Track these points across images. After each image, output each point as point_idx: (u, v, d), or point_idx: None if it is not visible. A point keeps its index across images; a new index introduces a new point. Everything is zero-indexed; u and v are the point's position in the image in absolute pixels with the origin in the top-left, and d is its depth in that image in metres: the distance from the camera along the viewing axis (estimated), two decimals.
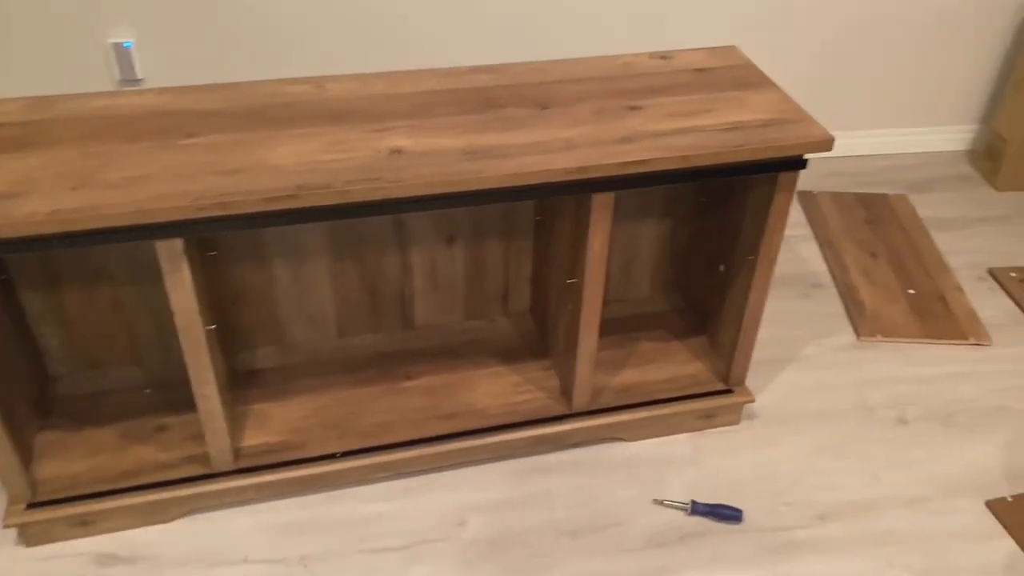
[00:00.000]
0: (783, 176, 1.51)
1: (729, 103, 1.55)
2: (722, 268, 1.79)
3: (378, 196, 1.29)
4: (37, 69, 2.23)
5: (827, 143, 1.46)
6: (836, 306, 2.20)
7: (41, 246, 1.24)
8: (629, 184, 1.42)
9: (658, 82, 1.62)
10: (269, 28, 2.28)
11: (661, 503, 1.68)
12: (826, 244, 2.39)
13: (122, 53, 2.23)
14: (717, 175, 1.46)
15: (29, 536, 1.55)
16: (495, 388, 1.80)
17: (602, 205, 1.46)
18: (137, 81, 2.28)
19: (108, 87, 2.29)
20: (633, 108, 1.53)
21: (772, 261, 1.62)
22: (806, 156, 1.48)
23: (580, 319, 1.60)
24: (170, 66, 2.29)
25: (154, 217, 1.24)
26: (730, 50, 1.75)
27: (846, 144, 2.74)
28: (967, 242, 2.44)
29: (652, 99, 1.56)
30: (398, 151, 1.38)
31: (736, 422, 1.85)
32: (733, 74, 1.66)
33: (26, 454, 1.56)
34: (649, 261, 1.99)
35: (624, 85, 1.61)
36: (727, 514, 1.65)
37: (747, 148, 1.43)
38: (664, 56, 1.72)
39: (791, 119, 1.51)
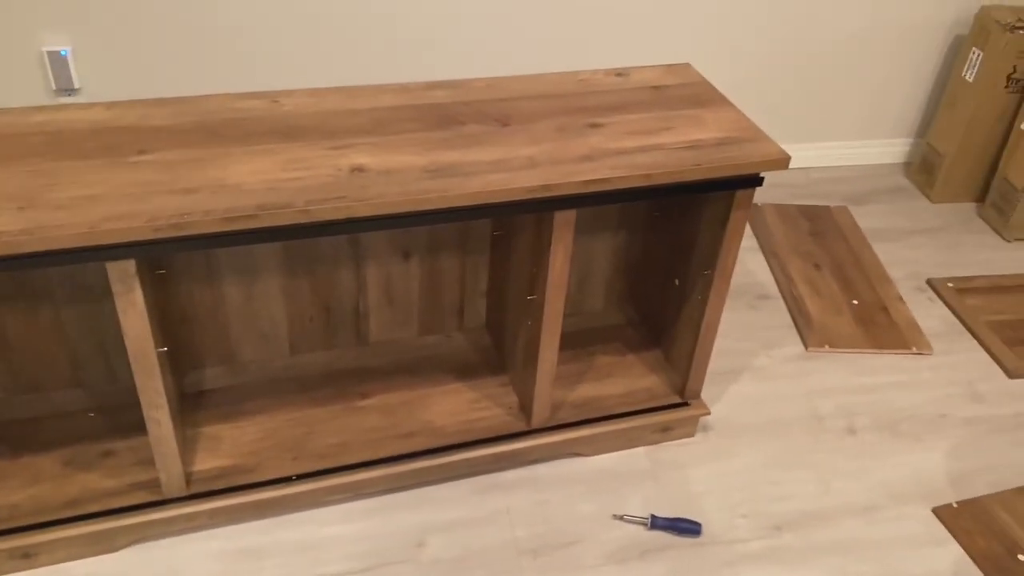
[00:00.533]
0: (740, 193, 1.53)
1: (687, 121, 1.57)
2: (677, 282, 1.81)
3: (341, 216, 1.27)
4: None
5: (783, 161, 1.48)
6: (783, 317, 2.24)
7: None
8: (591, 202, 1.43)
9: (616, 99, 1.63)
10: (214, 38, 2.22)
11: (621, 518, 1.69)
12: (772, 255, 2.44)
13: (58, 61, 2.15)
14: (676, 192, 1.48)
15: None
16: (453, 405, 1.78)
17: (564, 222, 1.45)
18: (74, 91, 2.20)
19: (43, 96, 2.20)
20: (593, 126, 1.53)
21: (728, 276, 1.65)
22: (762, 174, 1.50)
23: (540, 336, 1.60)
24: (109, 76, 2.21)
25: (107, 239, 1.19)
26: (685, 68, 1.77)
27: None
28: (906, 253, 2.51)
29: (611, 116, 1.57)
30: (360, 169, 1.35)
31: (692, 434, 1.87)
32: (689, 91, 1.68)
33: None
34: (603, 275, 2.00)
35: (583, 102, 1.61)
36: (686, 528, 1.66)
37: (706, 166, 1.44)
38: (620, 73, 1.73)
39: (747, 138, 1.53)
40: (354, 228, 1.31)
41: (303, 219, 1.26)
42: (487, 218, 1.58)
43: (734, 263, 1.62)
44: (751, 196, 1.53)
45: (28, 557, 1.49)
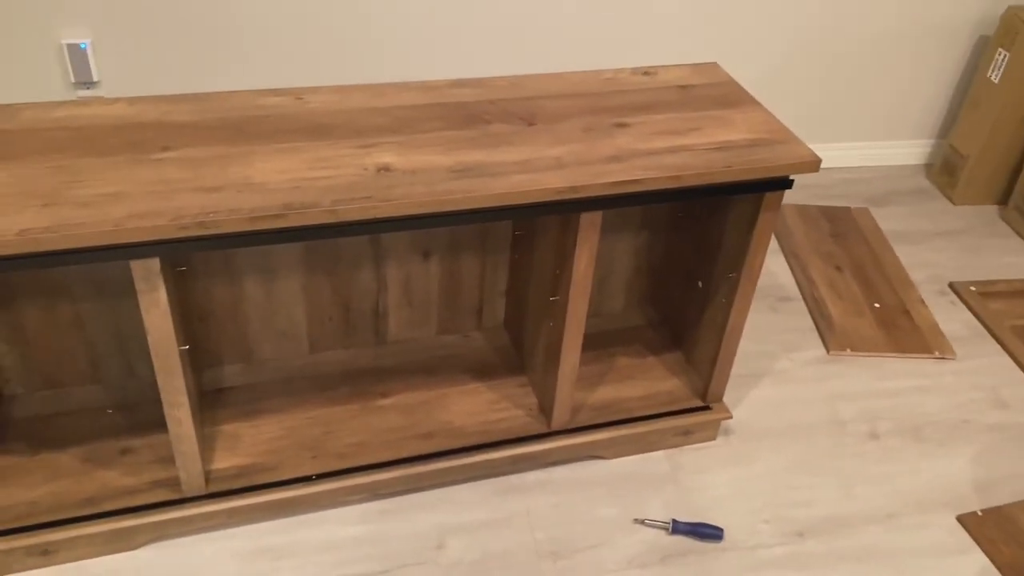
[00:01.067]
0: (769, 195, 1.50)
1: (715, 121, 1.55)
2: (700, 284, 1.79)
3: (368, 216, 1.25)
4: None
5: (814, 164, 1.46)
6: (805, 320, 2.22)
7: (9, 267, 1.16)
8: (619, 203, 1.41)
9: (643, 99, 1.61)
10: (235, 33, 2.21)
11: (642, 522, 1.67)
12: (792, 256, 2.42)
13: (77, 54, 2.14)
14: (705, 194, 1.45)
15: None
16: (472, 406, 1.76)
17: (590, 224, 1.44)
18: (93, 84, 2.19)
19: (62, 89, 2.19)
20: (620, 125, 1.51)
21: (754, 279, 1.63)
22: (791, 176, 1.48)
23: (562, 338, 1.58)
24: (129, 69, 2.20)
25: (131, 237, 1.18)
26: (712, 67, 1.74)
27: None
28: (927, 256, 2.48)
29: (638, 116, 1.55)
30: (386, 168, 1.34)
31: (713, 438, 1.85)
32: (717, 91, 1.65)
33: None
34: (624, 275, 1.98)
35: (609, 102, 1.59)
36: (708, 533, 1.65)
37: (737, 168, 1.42)
38: (647, 72, 1.70)
39: (777, 139, 1.51)
40: (379, 228, 1.29)
41: (330, 219, 1.24)
42: (512, 219, 1.56)
43: (761, 266, 1.60)
44: (780, 198, 1.51)
45: (47, 554, 1.48)
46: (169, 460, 1.57)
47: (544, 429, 1.72)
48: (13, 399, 1.67)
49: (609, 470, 1.77)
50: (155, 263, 1.24)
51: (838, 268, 2.38)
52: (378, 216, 1.26)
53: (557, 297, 1.58)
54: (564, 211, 1.40)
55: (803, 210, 2.62)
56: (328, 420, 1.70)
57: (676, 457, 1.81)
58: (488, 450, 1.68)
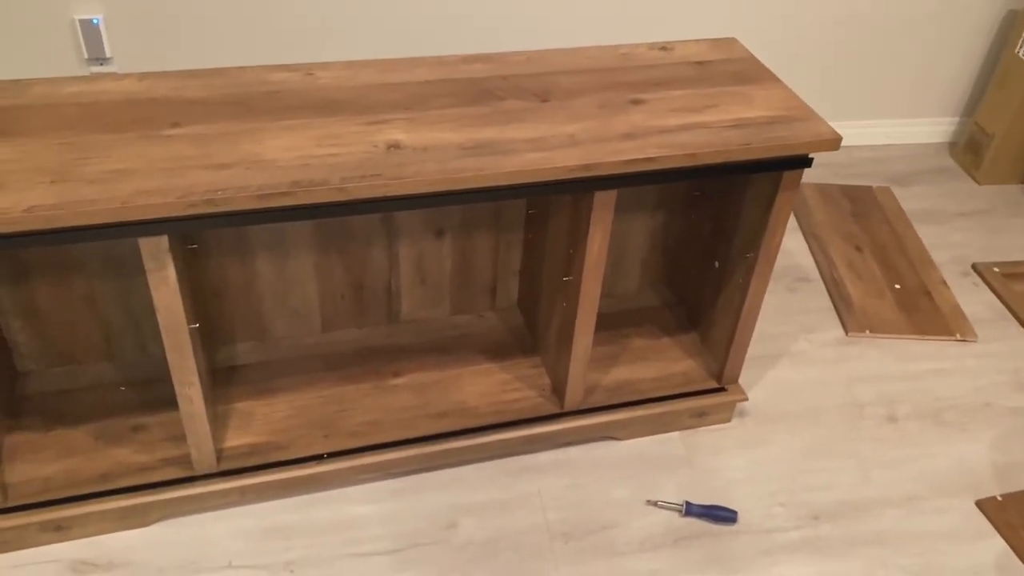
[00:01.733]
0: (788, 174, 1.47)
1: (733, 98, 1.51)
2: (716, 264, 1.76)
3: (378, 194, 1.24)
4: None
5: (834, 142, 1.43)
6: (823, 301, 2.18)
7: (16, 244, 1.16)
8: (633, 182, 1.38)
9: (659, 75, 1.58)
10: (247, 8, 2.19)
11: (655, 504, 1.66)
12: (812, 237, 2.38)
13: (90, 30, 2.13)
14: (722, 173, 1.43)
15: (0, 543, 1.48)
16: (485, 386, 1.75)
17: (604, 203, 1.41)
18: (106, 60, 2.18)
19: (75, 65, 2.18)
20: (635, 102, 1.48)
21: (772, 260, 1.60)
22: (811, 155, 1.45)
23: (576, 318, 1.56)
24: (141, 45, 2.18)
25: (139, 214, 1.17)
26: (730, 42, 1.71)
27: None
28: (950, 236, 2.44)
29: (654, 93, 1.52)
30: (396, 145, 1.32)
31: (728, 420, 1.83)
32: (735, 67, 1.62)
33: None
34: (638, 255, 1.96)
35: (625, 77, 1.56)
36: (722, 515, 1.63)
37: (755, 146, 1.39)
38: (663, 47, 1.67)
39: (797, 116, 1.47)
40: (390, 207, 1.28)
41: (339, 197, 1.23)
42: (525, 197, 1.54)
43: (779, 247, 1.58)
44: (799, 177, 1.48)
45: (60, 530, 1.49)
46: (181, 438, 1.57)
47: (557, 410, 1.71)
48: (27, 375, 1.68)
49: (622, 451, 1.76)
50: (164, 241, 1.23)
51: (858, 248, 2.34)
52: (388, 194, 1.24)
53: (571, 277, 1.56)
54: (578, 190, 1.38)
55: (823, 189, 2.57)
56: (341, 399, 1.70)
57: (690, 439, 1.79)
58: (501, 430, 1.67)
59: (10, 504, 1.47)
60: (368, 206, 1.26)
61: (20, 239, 1.16)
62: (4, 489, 1.48)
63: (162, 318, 1.32)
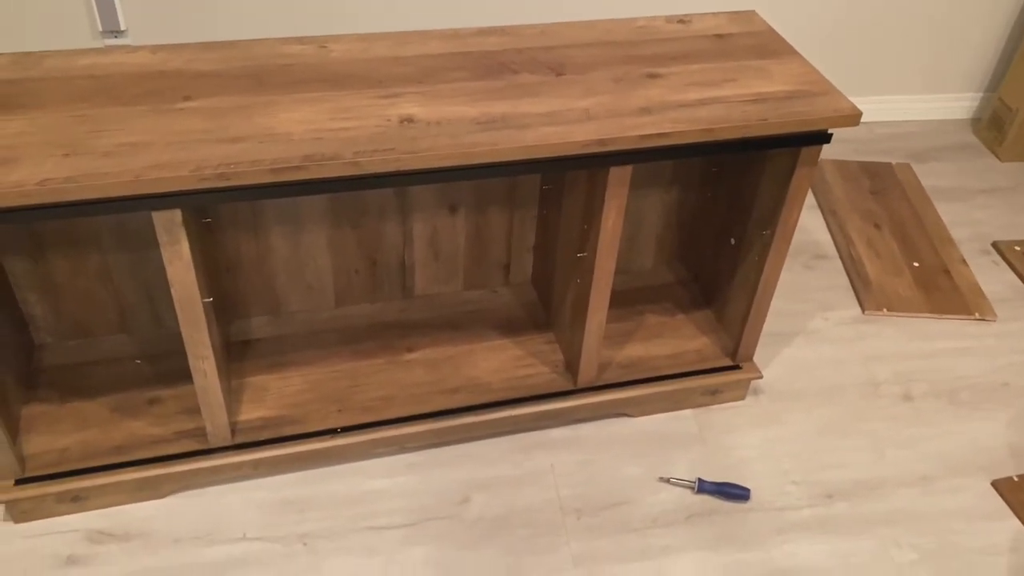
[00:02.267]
0: (806, 150, 1.45)
1: (752, 72, 1.49)
2: (732, 241, 1.75)
3: (391, 168, 1.23)
4: (12, 17, 2.11)
5: (854, 118, 1.41)
6: (841, 278, 2.16)
7: (29, 217, 1.16)
8: (649, 157, 1.37)
9: (676, 48, 1.55)
10: None
11: (667, 481, 1.66)
12: (830, 213, 2.35)
13: (104, 2, 2.12)
14: (739, 148, 1.41)
15: (18, 513, 1.50)
16: (498, 362, 1.75)
17: (619, 179, 1.40)
18: (120, 32, 2.17)
19: (89, 38, 2.17)
20: (652, 76, 1.46)
21: (789, 237, 1.58)
22: (830, 130, 1.43)
23: (590, 295, 1.55)
24: (156, 17, 2.17)
25: (152, 188, 1.17)
26: (750, 15, 1.68)
27: None
28: (970, 214, 2.41)
29: (671, 67, 1.50)
30: (409, 119, 1.31)
31: (742, 398, 1.82)
32: (754, 41, 1.59)
33: (13, 427, 1.50)
34: (653, 231, 1.94)
35: (641, 51, 1.54)
36: (734, 493, 1.63)
37: (773, 121, 1.37)
38: (681, 20, 1.65)
39: (816, 91, 1.45)
40: (403, 181, 1.27)
41: (352, 171, 1.22)
42: (538, 173, 1.53)
43: (796, 223, 1.56)
44: (818, 153, 1.46)
45: (77, 500, 1.51)
46: (196, 411, 1.58)
47: (570, 386, 1.71)
48: (43, 348, 1.69)
49: (635, 428, 1.75)
50: (176, 215, 1.23)
51: (877, 226, 2.31)
52: (401, 169, 1.23)
53: (585, 253, 1.55)
54: (592, 165, 1.37)
55: (842, 165, 2.54)
56: (354, 374, 1.70)
57: (704, 416, 1.79)
58: (514, 406, 1.67)
59: (28, 475, 1.48)
60: (381, 180, 1.25)
61: (34, 212, 1.16)
62: (22, 460, 1.49)
63: (176, 292, 1.32)
